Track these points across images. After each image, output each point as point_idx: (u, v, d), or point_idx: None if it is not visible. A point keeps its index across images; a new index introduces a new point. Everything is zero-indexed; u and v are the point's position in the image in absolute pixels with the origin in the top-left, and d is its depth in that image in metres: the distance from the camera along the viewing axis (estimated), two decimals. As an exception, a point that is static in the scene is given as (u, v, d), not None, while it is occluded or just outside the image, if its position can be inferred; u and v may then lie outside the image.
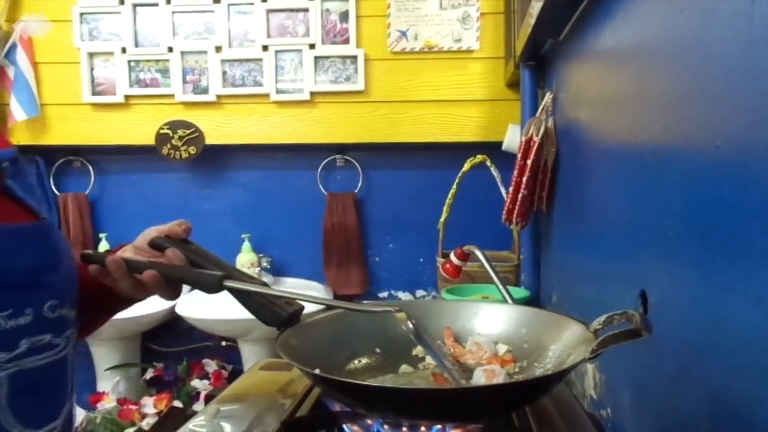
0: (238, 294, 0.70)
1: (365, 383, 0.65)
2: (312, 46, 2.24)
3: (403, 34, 2.22)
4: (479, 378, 0.67)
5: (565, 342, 0.66)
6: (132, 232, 0.81)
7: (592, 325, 0.61)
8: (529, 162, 1.35)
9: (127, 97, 2.29)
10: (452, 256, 1.56)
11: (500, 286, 1.12)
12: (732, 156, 0.49)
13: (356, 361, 0.76)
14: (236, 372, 2.26)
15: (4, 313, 0.56)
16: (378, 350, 0.77)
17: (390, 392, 0.60)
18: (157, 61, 2.29)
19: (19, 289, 0.57)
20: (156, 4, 2.27)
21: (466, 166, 1.84)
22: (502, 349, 0.74)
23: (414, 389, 0.65)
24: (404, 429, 0.72)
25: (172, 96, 2.27)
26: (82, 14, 2.28)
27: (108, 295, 0.76)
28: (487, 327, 0.77)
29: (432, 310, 0.83)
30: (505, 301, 0.87)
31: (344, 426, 0.73)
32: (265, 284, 0.73)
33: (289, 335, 0.70)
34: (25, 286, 0.58)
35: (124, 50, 2.28)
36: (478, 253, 1.29)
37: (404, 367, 0.76)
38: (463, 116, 2.23)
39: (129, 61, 2.28)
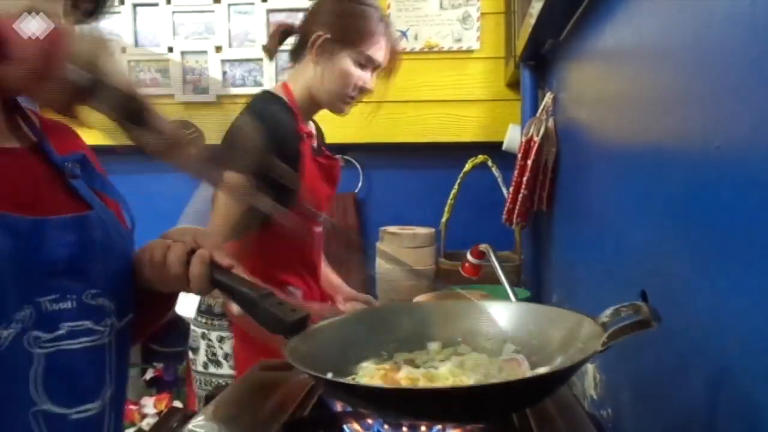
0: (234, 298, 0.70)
1: (377, 385, 0.63)
2: (312, 46, 2.24)
3: (403, 34, 2.21)
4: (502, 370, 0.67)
5: (573, 336, 0.66)
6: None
7: (600, 318, 0.61)
8: (529, 162, 1.35)
9: (127, 97, 2.29)
10: (468, 256, 1.53)
11: (507, 287, 1.13)
12: (732, 156, 0.49)
13: (365, 364, 0.73)
14: (236, 372, 2.26)
15: (49, 298, 0.61)
16: (384, 353, 0.74)
17: (399, 393, 0.60)
18: (158, 61, 2.29)
19: (63, 276, 0.62)
20: (156, 4, 2.27)
21: (468, 166, 1.84)
22: (509, 349, 0.73)
23: (425, 389, 0.63)
24: (404, 429, 0.72)
25: (172, 96, 2.27)
26: (82, 14, 2.28)
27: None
28: (494, 326, 0.76)
29: (437, 310, 0.82)
30: (508, 299, 0.85)
31: (344, 426, 0.73)
32: (271, 293, 0.71)
33: (297, 342, 0.67)
34: (69, 274, 0.63)
35: (124, 50, 2.28)
36: (491, 254, 1.32)
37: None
38: (463, 116, 2.22)
39: (129, 61, 2.28)
